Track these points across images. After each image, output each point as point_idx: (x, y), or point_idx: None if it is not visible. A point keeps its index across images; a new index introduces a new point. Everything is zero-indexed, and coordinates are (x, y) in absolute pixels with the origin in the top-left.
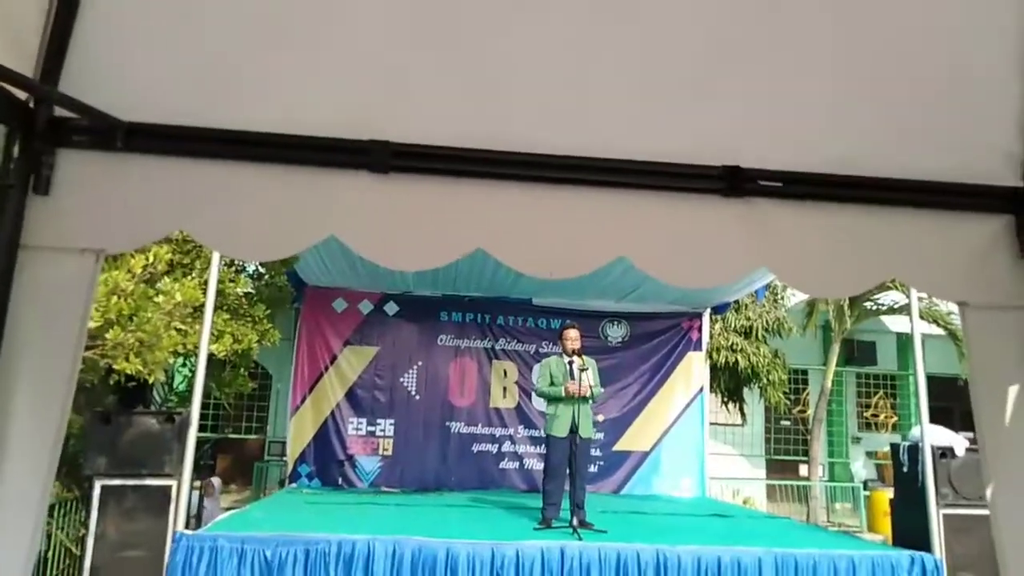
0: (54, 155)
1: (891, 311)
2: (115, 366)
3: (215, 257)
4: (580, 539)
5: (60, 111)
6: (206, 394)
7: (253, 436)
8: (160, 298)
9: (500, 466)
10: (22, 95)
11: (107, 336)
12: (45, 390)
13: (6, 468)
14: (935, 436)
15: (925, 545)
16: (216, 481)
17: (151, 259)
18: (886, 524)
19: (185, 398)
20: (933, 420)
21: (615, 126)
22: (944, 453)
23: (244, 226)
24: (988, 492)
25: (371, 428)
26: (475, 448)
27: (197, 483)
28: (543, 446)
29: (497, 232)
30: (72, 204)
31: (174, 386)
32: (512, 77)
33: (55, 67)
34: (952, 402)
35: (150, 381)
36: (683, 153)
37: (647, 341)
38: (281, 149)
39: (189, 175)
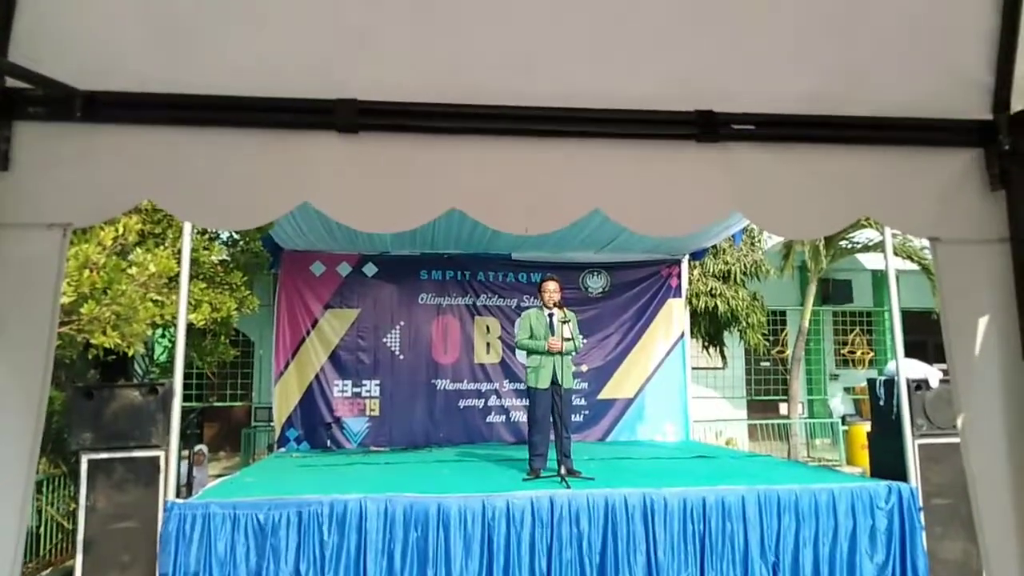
0: (10, 128)
1: (866, 249)
2: (92, 340)
3: (187, 226)
4: (568, 487)
5: (12, 82)
6: (188, 364)
7: (239, 403)
8: (133, 270)
9: (487, 420)
10: None
11: (82, 311)
12: (23, 367)
13: None
14: (910, 369)
15: (902, 475)
16: (204, 449)
17: (121, 230)
18: (864, 457)
19: (167, 369)
20: (908, 354)
21: (586, 75)
22: (919, 385)
23: (213, 194)
24: (959, 422)
25: (356, 389)
26: (461, 404)
27: (185, 452)
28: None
29: (471, 190)
30: (34, 178)
31: (155, 357)
32: (479, 28)
33: (1, 36)
34: (926, 335)
35: (129, 354)
36: (655, 99)
37: (627, 290)
38: (245, 112)
39: (152, 143)
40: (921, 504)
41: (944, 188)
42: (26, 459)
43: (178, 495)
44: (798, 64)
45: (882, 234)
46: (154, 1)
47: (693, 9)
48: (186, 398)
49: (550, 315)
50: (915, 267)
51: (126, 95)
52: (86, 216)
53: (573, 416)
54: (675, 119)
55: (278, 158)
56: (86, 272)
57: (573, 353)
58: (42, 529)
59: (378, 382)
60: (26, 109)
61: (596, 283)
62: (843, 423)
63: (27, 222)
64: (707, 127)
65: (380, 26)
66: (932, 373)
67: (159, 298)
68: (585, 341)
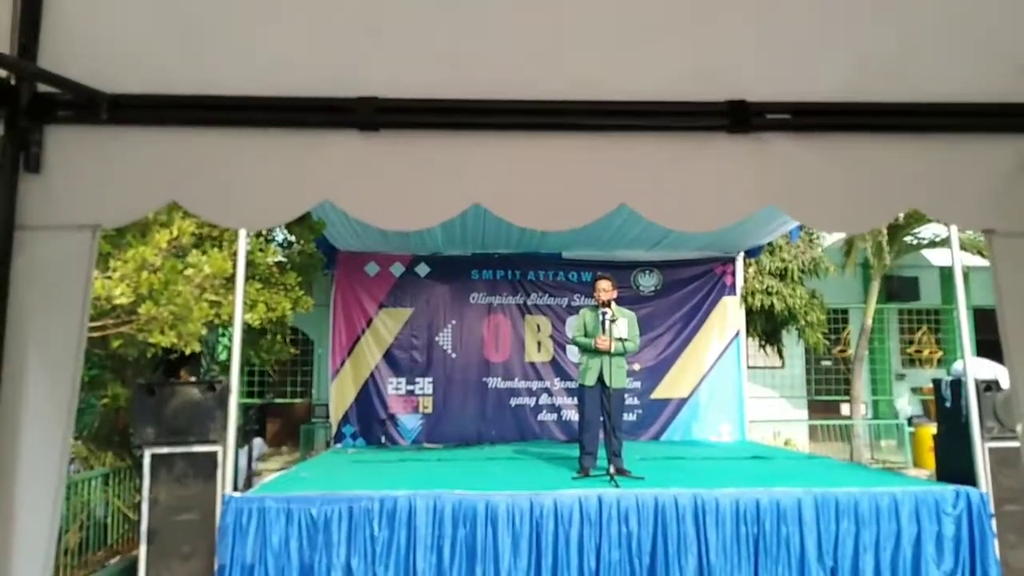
0: (41, 132)
1: (932, 244)
2: (150, 339)
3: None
4: (617, 486)
5: (43, 87)
6: (248, 362)
7: (299, 400)
8: (189, 271)
9: (539, 418)
10: (2, 73)
11: (140, 311)
12: (54, 367)
13: (25, 445)
14: (980, 369)
15: (971, 479)
16: (258, 443)
17: (175, 233)
18: (932, 460)
19: (227, 367)
20: (981, 353)
21: (611, 66)
22: (988, 386)
23: (234, 195)
24: (1019, 427)
25: (410, 387)
26: (513, 402)
27: (245, 448)
28: None
29: (493, 186)
30: (63, 181)
31: (216, 356)
32: (499, 21)
33: (31, 42)
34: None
35: (187, 352)
36: (684, 90)
37: (680, 288)
38: (266, 112)
39: (176, 144)
40: (992, 510)
41: (999, 177)
42: (58, 453)
43: (236, 488)
44: (836, 48)
45: (948, 229)
46: (176, 3)
47: None
48: (248, 395)
49: (603, 313)
50: (986, 263)
51: (150, 97)
52: (114, 217)
53: (626, 415)
54: (704, 110)
55: (299, 157)
56: (144, 273)
57: (624, 353)
58: (109, 520)
59: (431, 380)
60: (56, 113)
61: (648, 281)
62: (909, 424)
63: (58, 224)
64: (739, 117)
65: (399, 23)
66: (1003, 373)
67: (215, 298)
68: (639, 342)
